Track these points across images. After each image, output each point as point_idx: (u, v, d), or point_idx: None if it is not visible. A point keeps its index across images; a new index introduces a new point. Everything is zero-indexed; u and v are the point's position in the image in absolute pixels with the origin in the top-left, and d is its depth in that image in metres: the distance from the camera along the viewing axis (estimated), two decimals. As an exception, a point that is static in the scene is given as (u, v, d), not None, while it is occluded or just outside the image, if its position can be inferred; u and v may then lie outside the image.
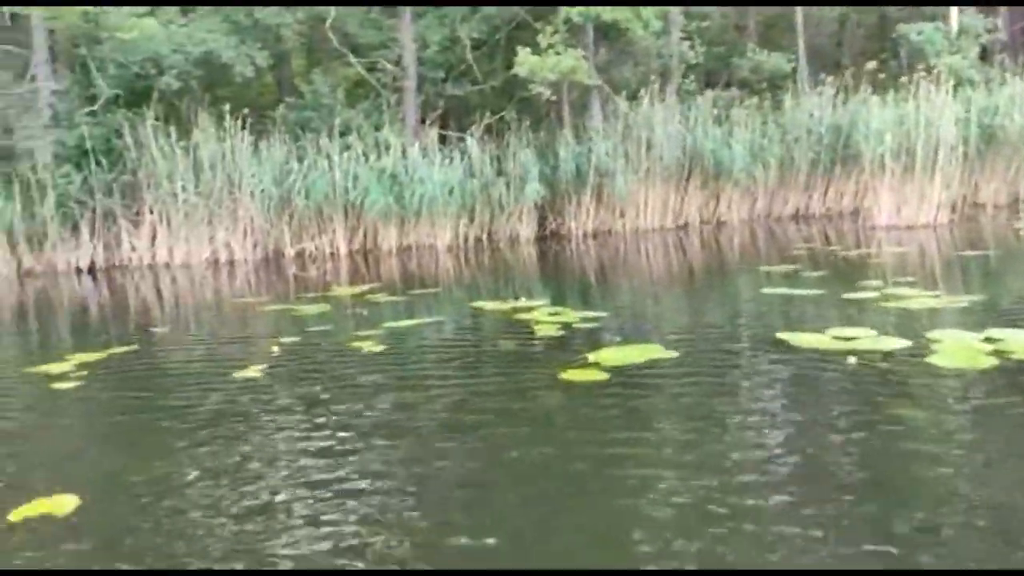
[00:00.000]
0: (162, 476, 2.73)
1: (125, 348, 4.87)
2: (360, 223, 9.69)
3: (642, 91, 10.27)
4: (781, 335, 4.18)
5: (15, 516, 2.47)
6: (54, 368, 4.39)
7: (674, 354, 4.00)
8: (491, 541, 2.20)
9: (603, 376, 3.69)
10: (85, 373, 4.26)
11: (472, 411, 3.32)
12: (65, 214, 9.14)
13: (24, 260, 9.14)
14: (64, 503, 2.53)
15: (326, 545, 2.17)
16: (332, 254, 9.59)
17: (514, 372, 4.02)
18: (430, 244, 9.78)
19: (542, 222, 10.32)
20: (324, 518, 2.35)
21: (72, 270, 9.28)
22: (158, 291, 7.97)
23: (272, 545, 2.17)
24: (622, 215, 10.39)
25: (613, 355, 4.05)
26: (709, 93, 10.93)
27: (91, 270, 9.30)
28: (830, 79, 11.08)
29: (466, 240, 9.87)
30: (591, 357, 3.99)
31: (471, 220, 9.93)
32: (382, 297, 6.40)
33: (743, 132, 10.46)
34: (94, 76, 9.31)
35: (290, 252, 9.51)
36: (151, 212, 9.43)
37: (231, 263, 9.42)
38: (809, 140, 10.75)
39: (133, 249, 9.41)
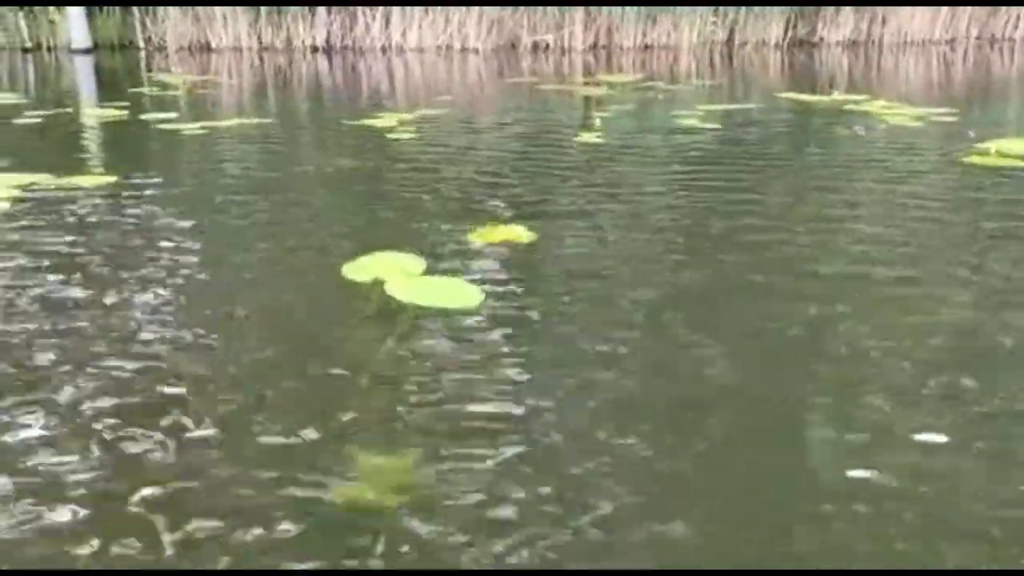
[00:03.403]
0: (578, 213, 2.50)
1: (434, 111, 4.68)
2: (597, 17, 9.10)
3: None
4: None
5: (476, 237, 2.30)
6: (376, 123, 4.25)
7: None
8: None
9: (1019, 163, 3.20)
10: (412, 127, 4.09)
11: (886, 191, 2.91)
12: (303, -12, 8.95)
13: (263, 35, 9.12)
14: (521, 233, 2.35)
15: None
16: (567, 48, 9.11)
17: (905, 155, 3.53)
18: (668, 44, 9.13)
19: (790, 28, 9.41)
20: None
21: (307, 48, 9.21)
22: (411, 71, 7.75)
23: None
24: (884, 23, 9.34)
25: (1017, 145, 3.51)
26: None
27: (326, 49, 9.20)
28: None
29: (710, 42, 9.14)
30: (989, 147, 3.48)
31: (715, 19, 9.15)
32: (661, 85, 5.94)
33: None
34: None
35: (526, 42, 9.08)
36: (386, -9, 9.12)
37: (463, 50, 9.09)
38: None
39: (367, 30, 9.21)
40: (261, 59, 8.65)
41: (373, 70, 7.91)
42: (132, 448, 1.27)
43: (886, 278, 2.00)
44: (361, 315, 1.80)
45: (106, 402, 1.40)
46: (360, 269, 2.07)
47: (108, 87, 6.00)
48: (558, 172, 3.11)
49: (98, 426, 1.32)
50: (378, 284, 1.97)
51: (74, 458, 1.24)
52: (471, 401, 1.42)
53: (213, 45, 8.94)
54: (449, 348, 1.63)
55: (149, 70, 7.25)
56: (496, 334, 1.70)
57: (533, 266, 2.10)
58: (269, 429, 1.33)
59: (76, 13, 8.31)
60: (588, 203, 2.67)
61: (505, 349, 1.62)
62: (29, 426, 1.32)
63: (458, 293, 1.92)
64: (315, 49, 9.13)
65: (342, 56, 8.82)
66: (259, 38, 9.08)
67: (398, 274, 2.03)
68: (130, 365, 1.55)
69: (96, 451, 1.26)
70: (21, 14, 8.30)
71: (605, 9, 8.91)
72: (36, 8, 8.38)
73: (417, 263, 2.11)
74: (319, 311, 1.82)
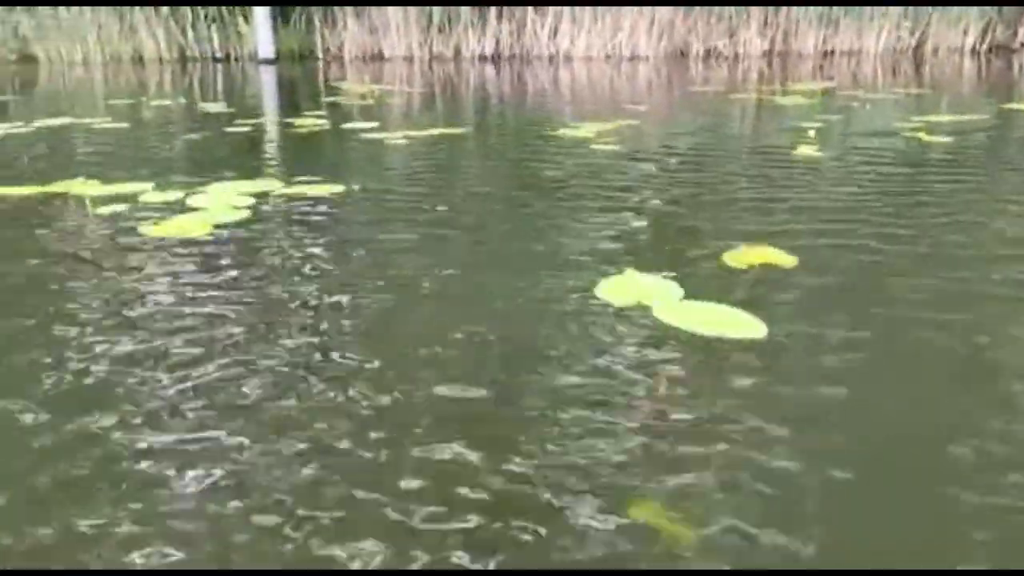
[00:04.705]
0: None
1: (627, 121, 4.54)
2: (773, 22, 8.74)
3: None
4: None
5: (731, 259, 2.14)
6: (575, 133, 4.14)
7: None
8: None
9: None
10: (613, 138, 3.96)
11: None
12: (475, -2, 9.03)
13: (434, 44, 9.25)
14: (781, 255, 2.16)
15: None
16: (740, 55, 8.78)
17: None
18: (851, 50, 8.65)
19: (989, 32, 8.74)
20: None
21: (475, 57, 9.28)
22: (582, 79, 7.66)
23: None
24: (1098, 26, 8.53)
25: None
26: None
27: (494, 58, 9.24)
28: None
29: (897, 48, 8.60)
30: None
31: (906, 23, 8.61)
32: (861, 93, 5.58)
33: None
34: None
35: (698, 49, 8.82)
36: (555, 0, 9.08)
37: (632, 58, 8.92)
38: None
39: (535, 37, 9.19)
40: (431, 68, 8.77)
41: (543, 79, 7.86)
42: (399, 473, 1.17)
43: None
44: (632, 341, 1.67)
45: (359, 394, 1.32)
46: (615, 290, 1.94)
47: (299, 96, 6.18)
48: (789, 187, 2.90)
49: (355, 409, 1.24)
50: (643, 308, 1.83)
51: (338, 430, 1.15)
52: (776, 437, 1.24)
53: (386, 55, 9.14)
54: (739, 383, 1.47)
55: (326, 79, 7.45)
56: (794, 370, 1.52)
57: (810, 292, 1.91)
58: (542, 454, 1.20)
59: (263, 24, 8.66)
60: (839, 220, 2.45)
61: (808, 389, 1.45)
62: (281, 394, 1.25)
63: (737, 322, 1.75)
64: (483, 58, 9.19)
65: (509, 65, 8.82)
66: (430, 48, 9.21)
67: (658, 298, 1.89)
68: (372, 377, 1.46)
69: (365, 432, 1.17)
70: (214, 26, 8.73)
71: (782, 13, 8.54)
72: (226, 19, 8.80)
73: (674, 286, 1.96)
74: (584, 336, 1.69)
